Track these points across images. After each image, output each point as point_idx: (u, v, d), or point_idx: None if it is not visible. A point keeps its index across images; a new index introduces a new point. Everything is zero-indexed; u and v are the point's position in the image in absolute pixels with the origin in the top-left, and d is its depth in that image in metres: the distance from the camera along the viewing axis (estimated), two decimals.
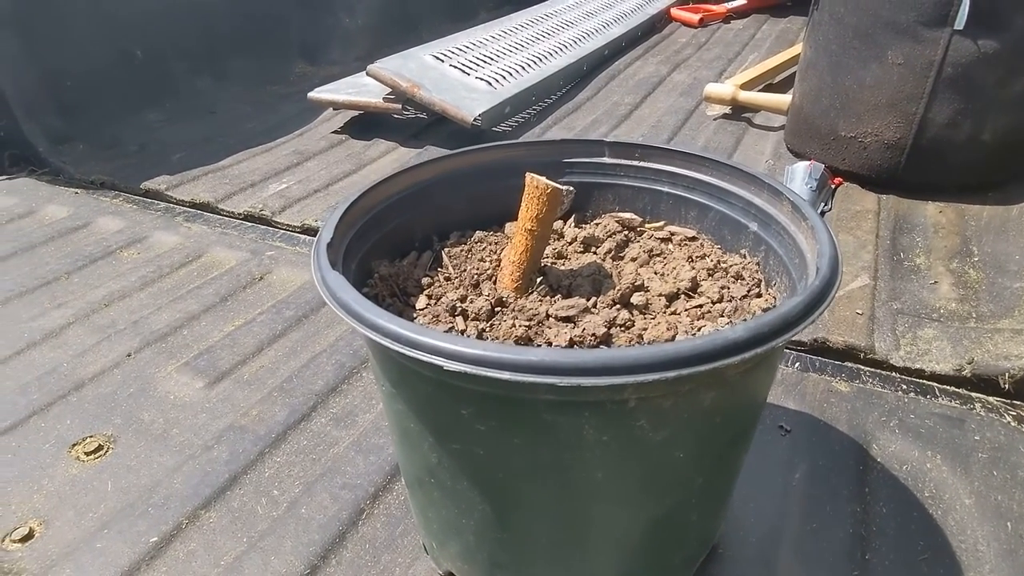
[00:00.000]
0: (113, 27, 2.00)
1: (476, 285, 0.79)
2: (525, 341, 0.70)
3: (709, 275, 0.79)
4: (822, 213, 1.52)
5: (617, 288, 0.76)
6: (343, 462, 0.95)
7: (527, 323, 0.71)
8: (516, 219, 0.77)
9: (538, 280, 0.78)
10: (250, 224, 1.56)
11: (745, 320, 0.66)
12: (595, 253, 0.86)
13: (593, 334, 0.69)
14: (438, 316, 0.74)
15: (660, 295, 0.76)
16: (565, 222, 0.92)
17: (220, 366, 1.12)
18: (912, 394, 1.05)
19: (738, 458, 0.68)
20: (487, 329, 0.72)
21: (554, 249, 0.85)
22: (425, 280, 0.80)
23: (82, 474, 0.94)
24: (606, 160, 0.90)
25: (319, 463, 0.95)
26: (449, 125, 1.91)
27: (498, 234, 0.89)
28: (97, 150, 1.88)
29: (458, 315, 0.73)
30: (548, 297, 0.76)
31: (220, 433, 1.00)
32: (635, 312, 0.75)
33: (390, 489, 0.91)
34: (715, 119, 2.01)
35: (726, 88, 1.97)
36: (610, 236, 0.87)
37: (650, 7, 2.95)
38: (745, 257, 0.80)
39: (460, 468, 0.62)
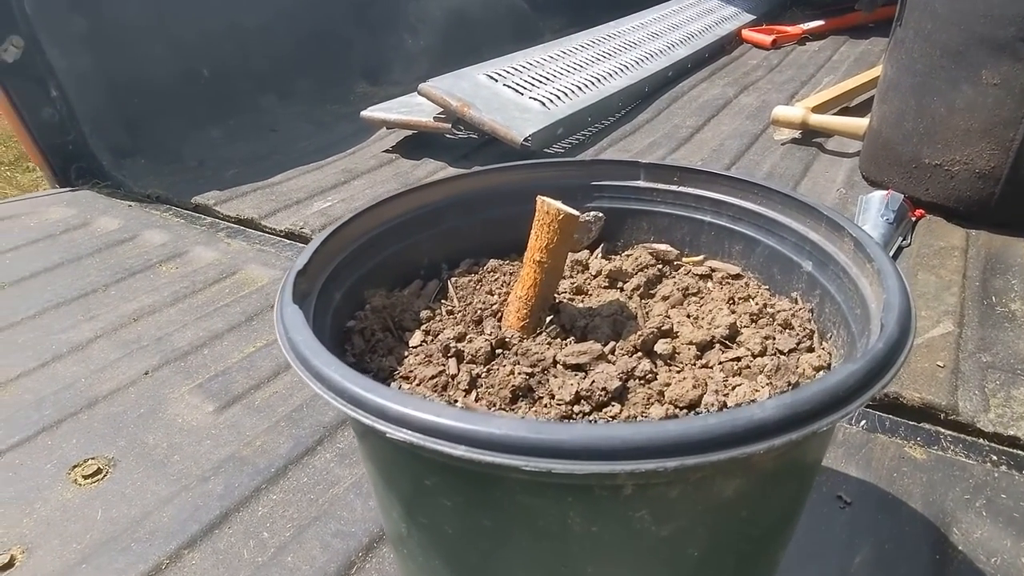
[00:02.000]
0: (181, 46, 2.03)
1: (479, 321, 0.68)
2: (524, 392, 0.59)
3: (752, 321, 0.66)
4: (899, 249, 1.34)
5: (640, 332, 0.64)
6: (340, 505, 0.86)
7: (529, 370, 0.60)
8: None
9: (549, 319, 0.67)
10: (289, 242, 1.51)
11: (789, 386, 0.53)
12: (621, 289, 0.74)
13: (604, 388, 0.57)
14: (430, 356, 0.63)
15: (690, 343, 0.63)
16: (592, 252, 0.81)
17: (233, 390, 1.06)
18: (1004, 467, 0.87)
19: (772, 557, 0.54)
20: (482, 375, 0.61)
21: (573, 283, 0.73)
22: (425, 313, 0.70)
23: (75, 499, 0.89)
24: (641, 184, 0.78)
25: (315, 504, 0.86)
26: (500, 146, 1.82)
27: (514, 263, 0.79)
28: (158, 165, 1.90)
29: (452, 356, 0.63)
30: (558, 339, 0.65)
31: (220, 463, 0.93)
32: (659, 363, 0.62)
33: (385, 541, 0.81)
34: (783, 144, 1.84)
35: (796, 111, 1.80)
36: (641, 270, 0.75)
37: (720, 28, 2.80)
38: (797, 302, 0.66)
39: (431, 544, 0.51)
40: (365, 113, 1.93)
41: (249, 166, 1.89)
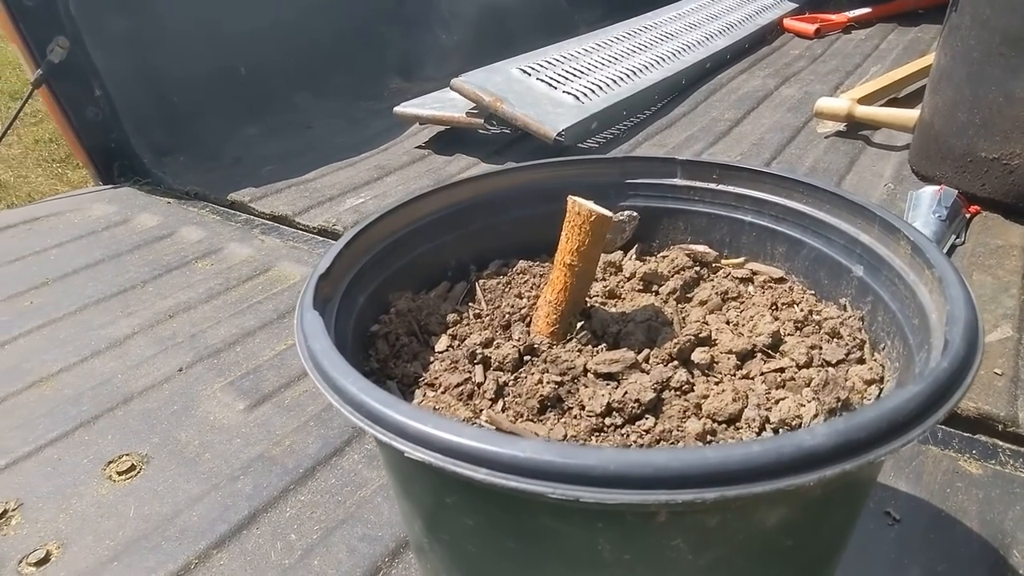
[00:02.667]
0: (219, 44, 2.05)
1: (507, 326, 0.66)
2: (552, 402, 0.56)
3: (797, 329, 0.61)
4: (953, 247, 1.26)
5: (676, 340, 0.60)
6: (367, 509, 0.84)
7: (558, 379, 0.57)
8: None
9: (580, 324, 0.63)
10: (321, 239, 1.51)
11: (839, 402, 0.48)
12: (656, 293, 0.70)
13: (637, 400, 0.54)
14: (456, 363, 0.61)
15: (730, 352, 0.59)
16: (625, 254, 0.77)
17: (264, 388, 1.06)
18: None
19: None
20: (509, 383, 0.59)
21: (606, 286, 0.70)
22: (451, 317, 0.68)
23: (110, 495, 0.89)
24: (678, 182, 0.74)
25: (343, 507, 0.85)
26: (533, 141, 1.79)
27: (544, 265, 0.76)
28: (196, 162, 1.92)
29: (478, 363, 0.60)
30: (589, 346, 0.62)
31: (249, 463, 0.92)
32: (696, 372, 0.58)
33: (411, 547, 0.79)
34: (826, 137, 1.77)
35: (841, 102, 1.72)
36: (677, 273, 0.71)
37: (760, 18, 2.71)
38: (846, 309, 0.62)
39: (452, 561, 0.49)
40: (398, 109, 1.92)
41: (284, 163, 1.89)
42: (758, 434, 0.51)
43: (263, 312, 1.25)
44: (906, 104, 1.85)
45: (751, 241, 0.71)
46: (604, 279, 0.72)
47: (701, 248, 0.74)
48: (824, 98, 1.76)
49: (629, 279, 0.72)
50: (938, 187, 1.33)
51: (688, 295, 0.70)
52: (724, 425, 0.53)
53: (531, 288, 0.71)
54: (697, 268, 0.72)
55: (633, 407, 0.54)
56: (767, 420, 0.52)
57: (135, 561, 0.80)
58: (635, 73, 2.07)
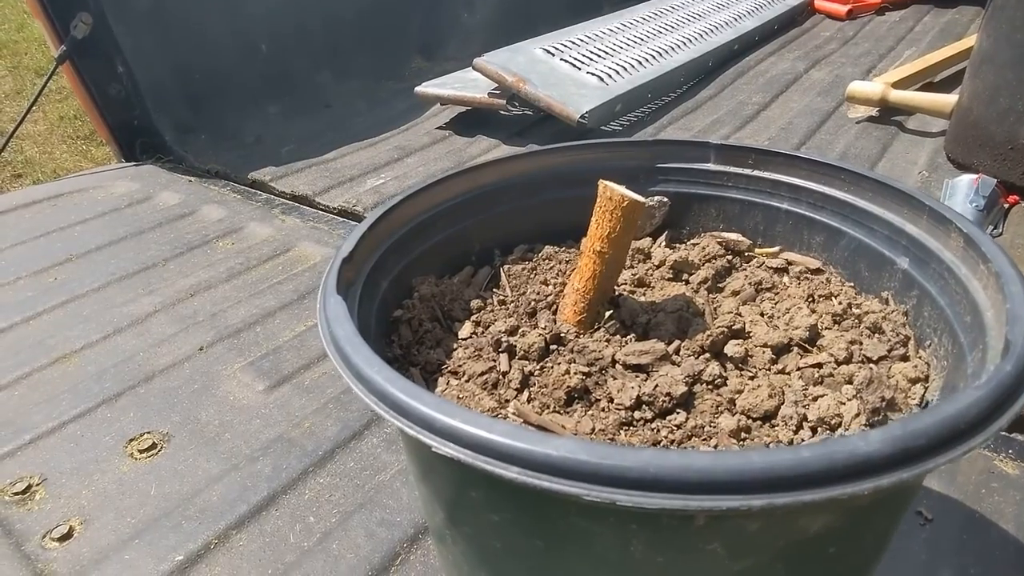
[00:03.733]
0: (241, 22, 2.02)
1: (532, 314, 0.64)
2: (580, 393, 0.54)
3: (835, 323, 0.59)
4: None
5: (708, 331, 0.58)
6: (386, 493, 0.83)
7: (585, 369, 0.55)
8: None
9: (608, 313, 0.61)
10: (341, 219, 1.49)
11: (883, 401, 0.46)
12: (687, 282, 0.68)
13: (668, 393, 0.52)
14: (480, 350, 0.59)
15: (765, 345, 0.57)
16: (655, 240, 0.74)
17: (283, 369, 1.05)
18: None
19: None
20: (535, 373, 0.57)
21: (635, 274, 0.68)
22: (475, 303, 0.66)
23: (131, 473, 0.89)
24: (711, 167, 0.71)
25: (361, 490, 0.84)
26: (556, 123, 1.75)
27: (571, 250, 0.73)
28: (217, 140, 1.91)
29: (503, 351, 0.59)
30: (618, 336, 0.60)
31: (268, 444, 0.92)
32: (729, 366, 0.56)
33: (431, 533, 0.78)
34: (858, 122, 1.71)
35: (874, 86, 1.66)
36: (708, 261, 0.69)
37: None
38: (888, 303, 0.59)
39: (476, 556, 0.47)
40: (419, 89, 1.89)
41: (304, 143, 1.88)
42: (795, 432, 0.49)
43: (283, 292, 1.24)
44: (942, 89, 1.78)
45: (786, 230, 0.68)
46: (632, 267, 0.70)
47: (734, 236, 0.71)
48: (856, 82, 1.70)
49: (658, 267, 0.70)
50: (975, 176, 1.28)
51: (720, 285, 0.67)
52: (759, 422, 0.51)
53: (557, 275, 0.69)
54: (729, 257, 0.70)
55: (664, 401, 0.52)
56: (804, 418, 0.50)
57: (156, 539, 0.80)
58: (660, 54, 2.02)
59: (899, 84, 1.72)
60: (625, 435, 0.51)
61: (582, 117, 1.63)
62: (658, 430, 0.51)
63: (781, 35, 2.45)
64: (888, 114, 1.72)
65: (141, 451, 0.93)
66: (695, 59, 2.05)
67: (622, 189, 0.57)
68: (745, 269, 0.68)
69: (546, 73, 1.77)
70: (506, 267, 0.70)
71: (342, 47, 2.30)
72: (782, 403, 0.51)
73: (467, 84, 1.86)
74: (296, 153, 1.80)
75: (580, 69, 1.84)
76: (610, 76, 1.84)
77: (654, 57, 1.99)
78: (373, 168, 1.69)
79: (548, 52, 1.88)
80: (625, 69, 1.88)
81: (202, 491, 0.86)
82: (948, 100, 1.54)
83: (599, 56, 1.93)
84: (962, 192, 1.25)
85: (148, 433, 0.96)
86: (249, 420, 0.97)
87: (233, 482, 0.87)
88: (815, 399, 0.51)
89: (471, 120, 1.94)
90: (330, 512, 0.82)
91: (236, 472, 0.88)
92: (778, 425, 0.50)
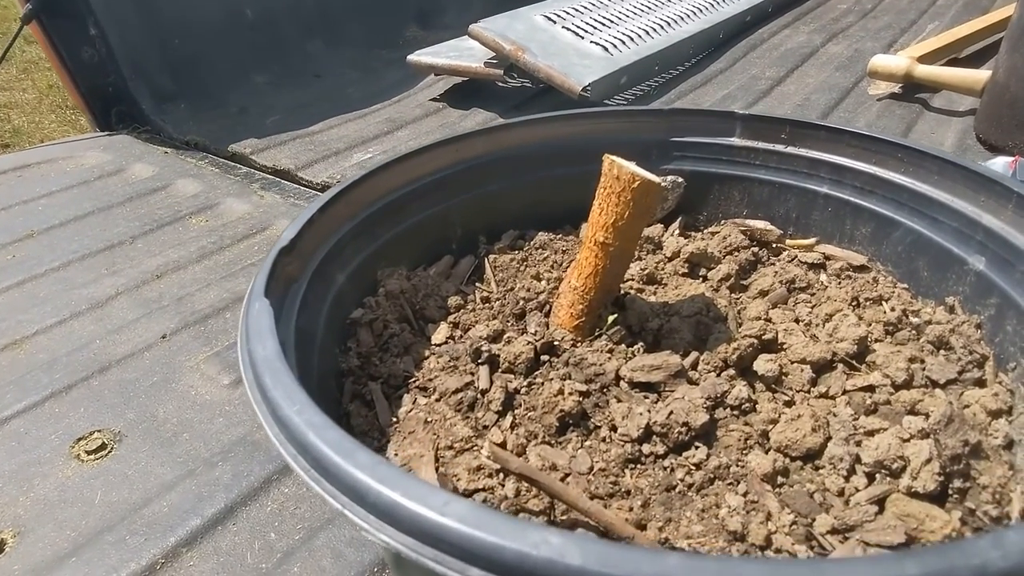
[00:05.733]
0: None
1: (521, 315, 0.53)
2: (576, 418, 0.43)
3: (887, 334, 0.48)
4: None
5: (734, 341, 0.47)
6: None
7: (583, 387, 0.45)
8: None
9: (611, 317, 0.50)
10: None
11: (965, 446, 0.35)
12: (705, 279, 0.56)
13: (686, 424, 0.41)
14: (457, 360, 0.48)
15: (803, 361, 0.46)
16: (667, 228, 0.63)
17: None
18: None
19: None
20: (521, 390, 0.46)
21: (643, 268, 0.56)
22: (454, 300, 0.55)
23: (76, 477, 0.79)
24: (736, 142, 0.60)
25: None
26: (556, 96, 1.63)
27: (569, 238, 0.62)
28: (199, 111, 1.78)
29: (483, 363, 0.48)
30: (623, 345, 0.49)
31: (230, 446, 0.81)
32: (759, 386, 0.45)
33: None
34: (879, 99, 1.58)
35: (899, 60, 1.53)
36: (730, 253, 0.57)
37: None
38: (954, 311, 0.48)
39: None
40: (411, 58, 1.76)
41: (290, 114, 1.75)
42: (846, 479, 0.38)
43: None
44: (968, 65, 1.65)
45: (825, 218, 0.57)
46: (640, 258, 0.59)
47: (760, 224, 0.60)
48: (880, 55, 1.57)
49: (671, 260, 0.59)
50: (1012, 158, 1.16)
51: (744, 282, 0.56)
52: (799, 462, 0.40)
53: (552, 267, 0.58)
54: (755, 249, 0.58)
55: (680, 432, 0.41)
56: (857, 459, 0.39)
57: (95, 557, 0.70)
58: (669, 24, 1.88)
59: (924, 59, 1.58)
60: (631, 475, 0.40)
61: (584, 89, 1.51)
62: (672, 469, 0.40)
63: (796, 7, 2.31)
64: (912, 91, 1.59)
65: (89, 452, 0.83)
66: (705, 30, 1.91)
67: (632, 166, 0.45)
68: (774, 264, 0.57)
69: (547, 42, 1.64)
70: (492, 257, 0.59)
71: (333, 14, 2.16)
72: (828, 438, 0.40)
73: (463, 53, 1.73)
74: (281, 124, 1.67)
75: (583, 38, 1.71)
76: (615, 46, 1.70)
77: (662, 27, 1.85)
78: (361, 141, 1.57)
79: (549, 19, 1.74)
80: (631, 39, 1.75)
81: (152, 500, 0.76)
82: (979, 76, 1.42)
83: (604, 24, 1.79)
84: None
85: (98, 432, 0.85)
86: (211, 419, 0.86)
87: (188, 491, 0.76)
88: (869, 434, 0.40)
89: (466, 92, 1.81)
90: (294, 528, 0.72)
91: (192, 479, 0.78)
92: (824, 467, 0.39)
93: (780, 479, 0.39)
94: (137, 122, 1.71)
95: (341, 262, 0.48)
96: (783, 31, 2.09)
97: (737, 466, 0.40)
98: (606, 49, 1.68)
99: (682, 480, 0.39)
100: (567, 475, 0.40)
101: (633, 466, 0.41)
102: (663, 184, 0.53)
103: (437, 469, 0.39)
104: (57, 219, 1.31)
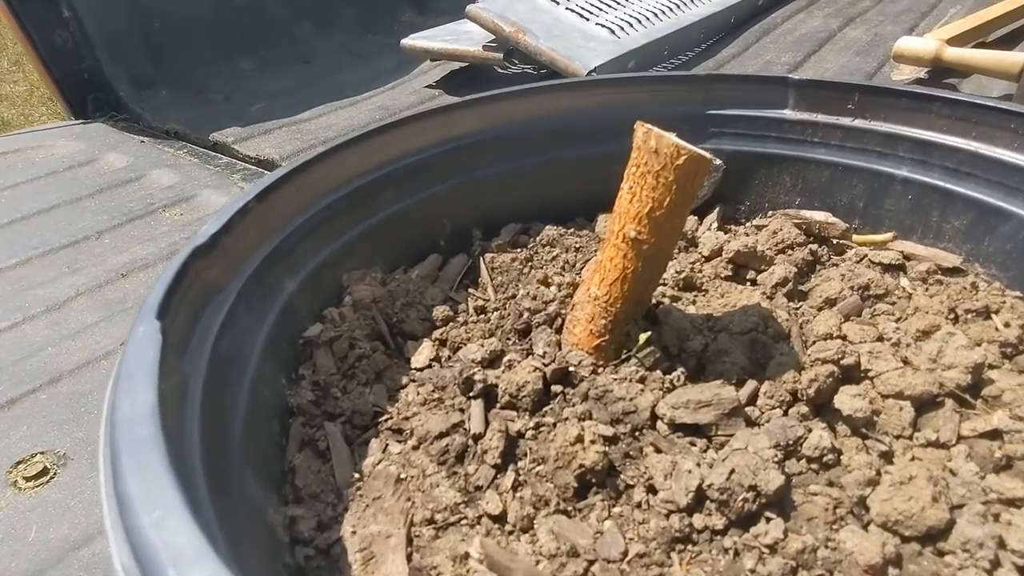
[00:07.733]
0: None
1: (525, 332, 0.41)
2: (601, 476, 0.32)
3: (1005, 358, 0.36)
4: None
5: (804, 365, 0.35)
6: None
7: (609, 431, 0.33)
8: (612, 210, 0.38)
9: (642, 335, 0.38)
10: None
11: None
12: (754, 283, 0.45)
13: (753, 487, 0.29)
14: (442, 392, 0.37)
15: (900, 396, 0.34)
16: (701, 220, 0.51)
17: None
18: None
19: None
20: (526, 435, 0.34)
21: (678, 271, 0.45)
22: (441, 310, 0.43)
23: (10, 509, 0.68)
24: (789, 114, 0.48)
25: None
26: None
27: (583, 232, 0.50)
28: (181, 97, 1.66)
29: (476, 395, 0.36)
30: (658, 372, 0.37)
31: None
32: (841, 428, 0.34)
33: None
34: (904, 85, 1.46)
35: (927, 43, 1.41)
36: (783, 252, 0.46)
37: None
38: None
39: None
40: (406, 42, 1.63)
41: (277, 101, 1.63)
42: (989, 574, 0.27)
43: None
44: (997, 48, 1.53)
45: (903, 208, 0.45)
46: (674, 258, 0.47)
47: (820, 216, 0.48)
48: (906, 38, 1.45)
49: (708, 259, 0.47)
50: None
51: (802, 287, 0.44)
52: (917, 544, 0.28)
53: (563, 269, 0.46)
54: (813, 246, 0.47)
55: (745, 500, 0.29)
56: (1002, 544, 0.27)
57: None
58: (678, 6, 1.75)
59: (952, 41, 1.46)
60: (680, 562, 0.29)
61: (590, 74, 1.38)
62: (737, 553, 0.29)
63: None
64: (938, 76, 1.46)
65: (28, 479, 0.71)
66: (716, 14, 1.79)
67: (673, 137, 0.33)
68: (838, 265, 0.45)
69: (549, 23, 1.52)
70: (489, 256, 0.47)
71: None
72: (952, 508, 0.28)
73: (460, 36, 1.61)
74: (267, 112, 1.55)
75: (588, 20, 1.58)
76: (622, 28, 1.58)
77: (671, 9, 1.73)
78: (351, 130, 1.44)
79: (552, 0, 1.62)
80: (639, 21, 1.62)
81: (94, 538, 0.64)
82: (1016, 59, 1.29)
83: (610, 6, 1.67)
84: None
85: (41, 454, 0.74)
86: None
87: None
88: (1009, 503, 0.28)
89: (464, 78, 1.68)
90: None
91: None
92: (953, 554, 0.28)
93: (892, 570, 0.27)
94: (115, 110, 1.59)
95: (290, 264, 0.36)
96: (797, 15, 1.97)
97: (827, 548, 0.28)
98: (612, 31, 1.55)
99: (753, 572, 0.28)
100: (592, 563, 0.28)
101: (683, 547, 0.29)
102: (715, 161, 0.41)
103: (409, 557, 0.28)
104: (20, 212, 1.19)
